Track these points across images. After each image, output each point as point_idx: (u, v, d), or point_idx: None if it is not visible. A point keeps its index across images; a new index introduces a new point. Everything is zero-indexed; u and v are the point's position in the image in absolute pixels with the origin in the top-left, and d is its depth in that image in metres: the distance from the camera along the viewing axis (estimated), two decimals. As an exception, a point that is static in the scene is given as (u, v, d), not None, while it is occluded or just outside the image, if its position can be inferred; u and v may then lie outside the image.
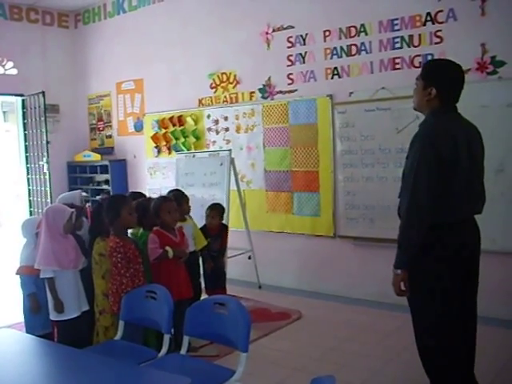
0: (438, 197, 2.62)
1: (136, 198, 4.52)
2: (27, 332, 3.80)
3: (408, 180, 2.68)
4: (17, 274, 3.92)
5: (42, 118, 7.66)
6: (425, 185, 2.60)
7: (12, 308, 4.88)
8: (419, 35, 5.03)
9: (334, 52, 5.61)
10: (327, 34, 5.64)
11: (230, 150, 5.95)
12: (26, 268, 3.87)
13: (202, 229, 4.83)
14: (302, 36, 5.85)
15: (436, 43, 4.94)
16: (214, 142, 6.74)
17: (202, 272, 4.79)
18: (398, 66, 5.19)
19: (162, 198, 4.17)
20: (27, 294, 3.87)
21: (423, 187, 2.60)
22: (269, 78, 6.19)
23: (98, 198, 7.95)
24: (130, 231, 3.81)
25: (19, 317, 4.02)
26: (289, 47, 5.97)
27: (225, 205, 5.35)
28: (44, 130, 7.65)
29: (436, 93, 2.73)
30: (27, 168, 8.13)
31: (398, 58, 5.18)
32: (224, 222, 5.14)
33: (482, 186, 2.84)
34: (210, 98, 6.82)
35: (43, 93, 7.58)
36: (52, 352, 2.87)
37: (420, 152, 2.63)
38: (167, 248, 3.84)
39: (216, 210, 4.98)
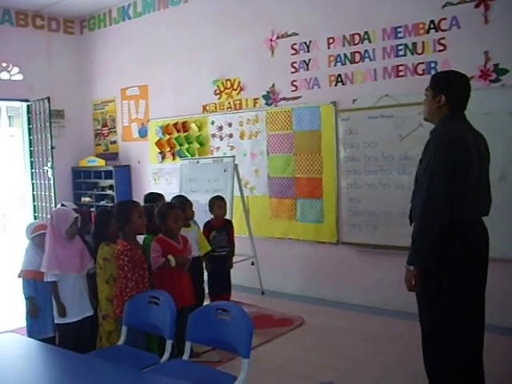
0: (452, 197, 2.70)
1: (153, 199, 4.55)
2: (28, 336, 3.81)
3: (423, 181, 2.76)
4: (18, 277, 3.95)
5: (47, 124, 7.70)
6: (440, 185, 2.69)
7: (15, 312, 4.89)
8: (423, 43, 5.05)
9: (338, 59, 5.63)
10: (331, 41, 5.67)
11: (233, 157, 5.99)
12: (26, 271, 3.90)
13: (206, 224, 4.88)
14: (305, 43, 5.88)
15: (439, 51, 4.95)
16: (218, 148, 6.76)
17: (205, 277, 4.81)
18: (401, 74, 5.20)
19: (168, 205, 4.14)
20: (25, 298, 3.90)
21: (438, 187, 2.69)
22: (273, 85, 6.21)
23: (102, 203, 7.98)
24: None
25: (22, 321, 4.03)
26: (293, 54, 6.00)
27: (228, 211, 5.35)
28: (49, 135, 7.68)
29: (445, 99, 2.84)
30: (32, 173, 8.16)
31: (402, 65, 5.19)
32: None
33: (489, 188, 2.94)
34: (214, 104, 6.84)
35: (48, 98, 7.63)
36: (55, 357, 2.88)
37: (435, 154, 2.73)
38: (169, 257, 3.79)
39: (223, 200, 5.02)
